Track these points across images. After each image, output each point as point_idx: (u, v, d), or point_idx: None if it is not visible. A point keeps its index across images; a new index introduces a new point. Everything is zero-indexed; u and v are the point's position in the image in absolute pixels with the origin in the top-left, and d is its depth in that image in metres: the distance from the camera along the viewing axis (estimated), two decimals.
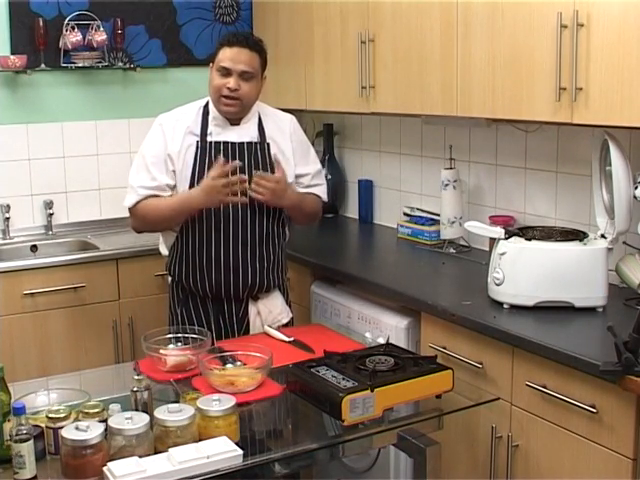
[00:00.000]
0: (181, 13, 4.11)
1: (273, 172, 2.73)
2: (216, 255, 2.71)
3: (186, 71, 4.15)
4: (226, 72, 2.66)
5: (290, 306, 2.93)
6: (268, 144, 2.78)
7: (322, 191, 2.94)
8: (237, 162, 2.64)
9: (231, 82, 2.66)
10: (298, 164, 2.85)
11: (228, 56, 2.66)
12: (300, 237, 3.94)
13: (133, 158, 2.86)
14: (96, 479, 1.77)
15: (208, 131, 2.74)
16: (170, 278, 2.87)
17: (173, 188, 2.73)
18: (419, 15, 2.99)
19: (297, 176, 2.85)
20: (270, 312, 2.81)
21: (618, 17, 2.26)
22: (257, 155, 2.75)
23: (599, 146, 2.53)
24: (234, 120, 2.75)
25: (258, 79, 2.73)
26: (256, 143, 2.76)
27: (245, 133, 2.76)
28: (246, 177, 2.63)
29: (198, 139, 2.73)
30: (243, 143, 2.74)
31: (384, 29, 3.18)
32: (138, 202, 2.73)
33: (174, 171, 2.72)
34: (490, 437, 2.39)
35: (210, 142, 2.73)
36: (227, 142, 2.73)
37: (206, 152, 2.72)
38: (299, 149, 2.87)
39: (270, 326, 2.71)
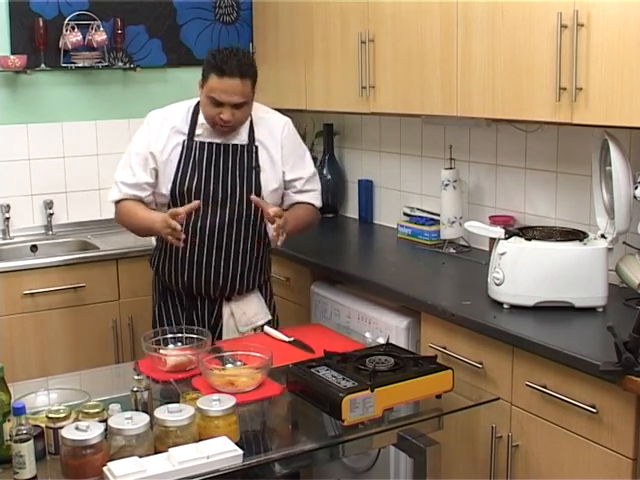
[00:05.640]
0: (181, 13, 4.11)
1: (258, 177, 2.75)
2: (190, 253, 2.75)
3: (186, 71, 4.14)
4: (219, 103, 2.63)
5: (273, 307, 2.95)
6: (256, 147, 2.77)
7: (315, 197, 2.93)
8: (196, 203, 2.62)
9: (225, 114, 2.63)
10: (291, 168, 2.83)
11: (220, 88, 2.60)
12: (300, 237, 3.94)
13: None
14: (96, 479, 1.77)
15: (196, 132, 2.75)
16: (152, 270, 2.94)
17: (154, 186, 2.77)
18: (419, 15, 2.99)
19: (289, 180, 2.85)
20: (244, 313, 2.84)
21: (618, 17, 2.26)
22: (243, 158, 2.75)
23: (599, 146, 2.53)
24: None
25: (251, 100, 2.71)
26: (243, 146, 2.76)
27: (234, 137, 2.76)
28: (182, 233, 2.57)
29: (185, 138, 2.74)
30: (229, 145, 2.75)
31: (384, 29, 3.18)
32: (120, 200, 2.80)
33: (155, 169, 2.75)
34: (490, 437, 2.39)
35: (196, 142, 2.74)
36: (212, 143, 2.74)
37: (191, 152, 2.73)
38: (292, 153, 2.85)
39: (254, 328, 2.77)
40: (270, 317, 2.91)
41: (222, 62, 2.59)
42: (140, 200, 2.78)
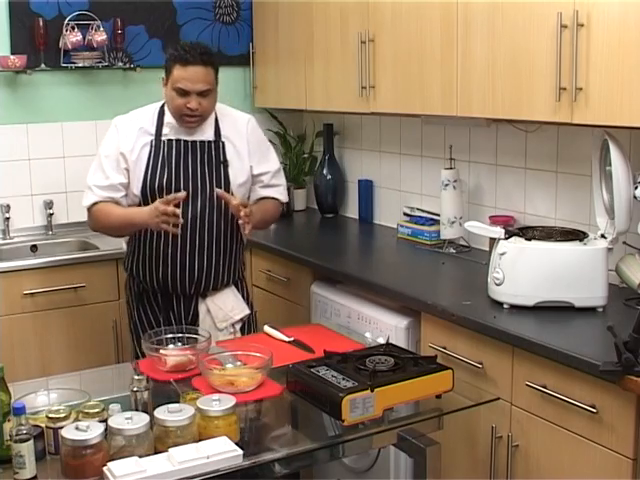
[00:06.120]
0: (181, 13, 4.11)
1: (226, 170, 2.80)
2: (164, 250, 2.78)
3: None
4: (185, 92, 2.70)
5: (250, 302, 3.00)
6: (223, 143, 2.83)
7: (280, 192, 3.00)
8: (182, 194, 2.65)
9: (192, 103, 2.70)
10: (257, 163, 2.89)
11: (185, 77, 2.68)
12: (300, 237, 3.95)
13: None
14: (96, 479, 1.77)
15: (163, 131, 2.80)
16: (127, 273, 2.97)
17: (127, 187, 2.80)
18: (419, 15, 2.99)
19: (256, 175, 2.90)
20: (220, 309, 2.88)
21: (618, 17, 2.26)
22: (211, 153, 2.81)
23: (599, 146, 2.53)
24: None
25: (215, 90, 2.77)
26: (210, 142, 2.81)
27: (200, 134, 2.81)
28: (180, 217, 2.60)
29: (152, 138, 2.79)
30: (196, 141, 2.80)
31: (384, 29, 3.18)
32: (95, 203, 2.81)
33: (127, 169, 2.79)
34: (490, 437, 2.39)
35: (164, 141, 2.79)
36: (180, 140, 2.79)
37: (160, 150, 2.78)
38: (257, 149, 2.91)
39: (232, 324, 2.85)
40: (248, 312, 2.95)
41: (185, 52, 2.69)
42: (115, 202, 2.81)
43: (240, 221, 2.69)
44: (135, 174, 2.78)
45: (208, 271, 2.82)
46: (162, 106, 2.84)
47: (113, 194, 2.80)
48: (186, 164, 2.77)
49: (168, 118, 2.80)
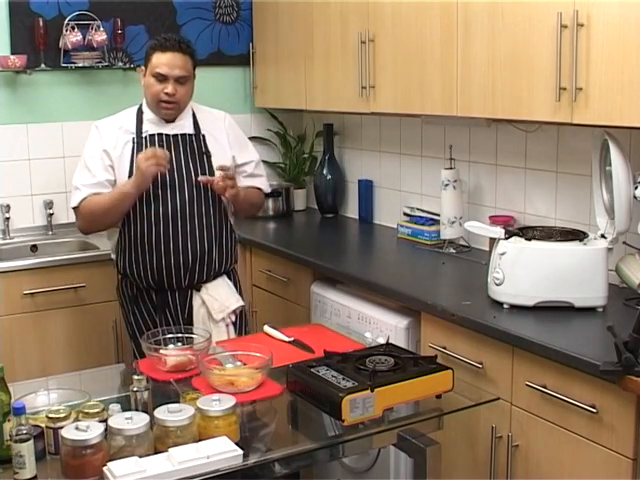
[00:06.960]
0: (181, 13, 4.11)
1: (209, 161, 2.86)
2: (156, 242, 2.80)
3: None
4: (162, 78, 2.76)
5: (241, 294, 3.02)
6: (203, 135, 2.89)
7: (263, 183, 3.08)
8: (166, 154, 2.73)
9: (169, 88, 2.76)
10: (239, 153, 2.97)
11: (163, 62, 2.75)
12: (300, 237, 3.94)
13: None
14: (96, 479, 1.77)
15: (143, 128, 2.85)
16: (120, 276, 2.97)
17: (114, 184, 2.83)
18: (419, 15, 2.99)
19: (240, 164, 2.97)
20: (215, 300, 2.90)
21: (618, 17, 2.26)
22: (193, 145, 2.87)
23: (599, 146, 2.53)
24: (169, 120, 2.87)
25: (192, 80, 2.84)
26: (191, 135, 2.87)
27: (180, 128, 2.87)
28: (166, 160, 2.69)
29: (134, 136, 2.84)
30: (177, 135, 2.86)
31: (384, 29, 3.18)
32: (82, 200, 2.82)
33: (112, 167, 2.83)
34: (490, 437, 2.39)
35: (145, 136, 2.84)
36: (161, 134, 2.85)
37: (142, 145, 2.83)
38: (236, 141, 2.99)
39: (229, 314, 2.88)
40: (242, 303, 2.97)
41: (163, 40, 2.81)
42: None
43: (221, 183, 2.75)
44: (120, 170, 2.81)
45: (201, 259, 2.84)
46: (140, 106, 2.89)
47: (100, 190, 2.81)
48: (169, 156, 2.80)
49: (147, 115, 2.86)
